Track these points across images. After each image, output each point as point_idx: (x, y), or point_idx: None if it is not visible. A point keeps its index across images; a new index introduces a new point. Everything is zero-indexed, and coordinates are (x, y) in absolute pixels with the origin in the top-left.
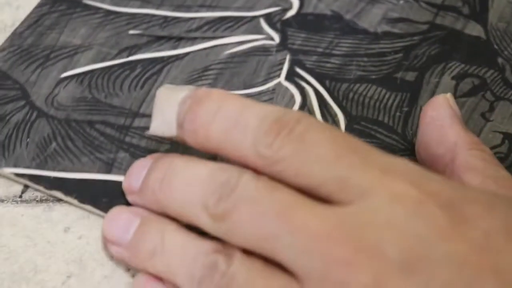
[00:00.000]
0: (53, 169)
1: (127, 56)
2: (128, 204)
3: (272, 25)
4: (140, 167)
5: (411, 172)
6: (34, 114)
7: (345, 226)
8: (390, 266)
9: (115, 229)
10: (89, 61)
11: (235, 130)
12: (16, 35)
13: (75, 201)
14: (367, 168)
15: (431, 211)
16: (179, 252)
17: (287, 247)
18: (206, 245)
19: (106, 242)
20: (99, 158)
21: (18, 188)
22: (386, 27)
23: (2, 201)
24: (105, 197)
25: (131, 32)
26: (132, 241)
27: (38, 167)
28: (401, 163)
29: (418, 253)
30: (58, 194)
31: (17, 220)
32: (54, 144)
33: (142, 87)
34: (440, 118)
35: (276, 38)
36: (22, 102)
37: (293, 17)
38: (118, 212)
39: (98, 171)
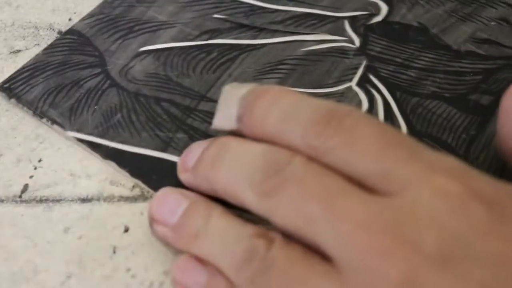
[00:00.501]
0: (113, 140)
1: (207, 39)
2: (177, 185)
3: (355, 28)
4: (198, 147)
5: (458, 169)
6: (107, 83)
7: (386, 216)
8: (426, 261)
9: (162, 209)
10: (169, 39)
11: (288, 122)
12: (107, 3)
13: (127, 174)
14: (413, 161)
15: (474, 209)
16: (221, 235)
17: (327, 232)
18: (248, 229)
19: (152, 222)
20: (158, 136)
21: (17, 188)
22: (470, 47)
23: (2, 201)
24: (156, 174)
25: (216, 16)
26: (178, 222)
27: (99, 135)
28: (448, 160)
29: (456, 250)
30: (112, 165)
31: (16, 220)
32: (119, 115)
33: (214, 71)
34: None
35: (357, 42)
36: (98, 70)
37: (378, 23)
38: (167, 193)
39: (155, 148)
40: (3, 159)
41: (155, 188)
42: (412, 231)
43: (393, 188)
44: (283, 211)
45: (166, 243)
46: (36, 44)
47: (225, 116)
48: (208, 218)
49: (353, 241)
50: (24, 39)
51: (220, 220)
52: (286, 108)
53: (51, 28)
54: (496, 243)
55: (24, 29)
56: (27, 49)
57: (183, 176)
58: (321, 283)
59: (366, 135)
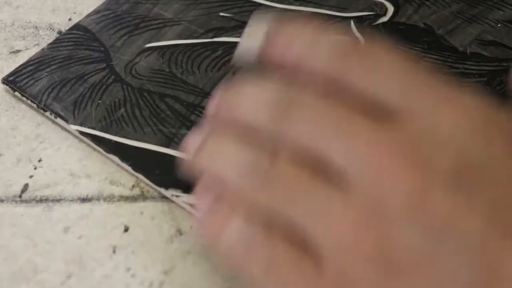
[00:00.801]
0: (116, 134)
1: (212, 37)
2: (179, 180)
3: (361, 28)
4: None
5: (480, 103)
6: (111, 78)
7: (403, 136)
8: (438, 178)
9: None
10: (175, 36)
11: (312, 48)
12: (113, 0)
13: (129, 168)
14: (435, 92)
15: (492, 136)
16: (227, 151)
17: (340, 149)
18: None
19: None
20: (161, 131)
21: (17, 188)
22: (476, 48)
23: (2, 201)
24: (158, 169)
25: (222, 14)
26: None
27: (102, 129)
28: (469, 96)
29: (472, 171)
30: (115, 159)
31: (16, 220)
32: (122, 110)
33: (219, 69)
34: None
35: (362, 42)
36: (103, 65)
37: (384, 23)
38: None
39: (157, 143)
40: (3, 159)
41: (157, 183)
42: (428, 151)
43: (413, 114)
44: (296, 129)
45: None
46: (36, 44)
47: (248, 46)
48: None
49: (366, 156)
50: (24, 39)
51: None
52: (309, 37)
53: (51, 28)
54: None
55: (24, 29)
56: (27, 49)
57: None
58: (327, 196)
59: (387, 62)
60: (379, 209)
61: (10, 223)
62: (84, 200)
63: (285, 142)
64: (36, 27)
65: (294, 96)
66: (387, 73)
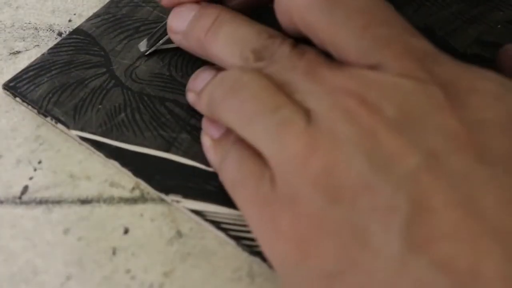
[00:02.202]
0: (116, 139)
1: None
2: (180, 186)
3: None
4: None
5: (428, 55)
6: (112, 83)
7: (357, 82)
8: (385, 122)
9: (176, 19)
10: None
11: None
12: (113, 3)
13: (129, 173)
14: (390, 43)
15: (433, 90)
16: (232, 35)
17: (308, 92)
18: (261, 28)
19: (170, 32)
20: (162, 135)
21: (17, 189)
22: (476, 50)
23: (2, 202)
24: (159, 174)
25: None
26: (188, 26)
27: (103, 134)
28: (423, 46)
29: (413, 119)
30: (115, 164)
31: (16, 221)
32: (123, 115)
33: None
34: None
35: None
36: (103, 69)
37: None
38: (181, 5)
39: (158, 148)
40: (2, 161)
41: (158, 188)
42: (377, 96)
43: (368, 64)
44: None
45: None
46: (36, 45)
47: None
48: (218, 17)
49: (326, 99)
50: (24, 40)
51: (231, 20)
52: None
53: (51, 29)
54: (449, 119)
55: (24, 30)
56: (26, 50)
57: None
58: (290, 115)
59: (351, 11)
60: (331, 136)
61: (10, 225)
62: (84, 202)
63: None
64: (36, 28)
65: (270, 49)
66: (347, 22)
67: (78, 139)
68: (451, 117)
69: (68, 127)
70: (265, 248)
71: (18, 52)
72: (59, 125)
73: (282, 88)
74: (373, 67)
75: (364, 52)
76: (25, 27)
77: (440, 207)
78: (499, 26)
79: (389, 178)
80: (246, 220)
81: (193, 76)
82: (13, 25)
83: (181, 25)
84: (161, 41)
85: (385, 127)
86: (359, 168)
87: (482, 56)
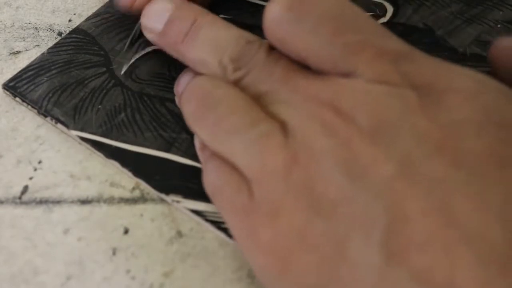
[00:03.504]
0: (116, 139)
1: None
2: (181, 187)
3: None
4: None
5: (402, 57)
6: (111, 83)
7: (331, 91)
8: (359, 132)
9: (151, 18)
10: None
11: None
12: (113, 3)
13: (129, 173)
14: (362, 49)
15: (407, 94)
16: (210, 38)
17: (284, 102)
18: (239, 33)
19: (145, 31)
20: (162, 136)
21: (17, 189)
22: (476, 49)
23: (2, 202)
24: (159, 174)
25: (221, 15)
26: (164, 29)
27: (103, 134)
28: (397, 47)
29: (386, 124)
30: (115, 164)
31: (16, 221)
32: (122, 115)
33: None
34: None
35: None
36: (103, 69)
37: (383, 24)
38: (154, 2)
39: (158, 148)
40: (3, 161)
41: (158, 188)
42: (350, 105)
43: (341, 71)
44: (249, 89)
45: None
46: (36, 45)
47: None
48: (195, 21)
49: (302, 111)
50: (24, 40)
51: (208, 24)
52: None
53: (51, 29)
54: (423, 123)
55: (24, 30)
56: (27, 50)
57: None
58: (268, 130)
59: (320, 17)
60: (309, 150)
61: (10, 225)
62: (84, 202)
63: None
64: (36, 28)
65: (247, 55)
66: (315, 30)
67: (78, 139)
68: (425, 121)
69: (68, 127)
70: (246, 257)
71: (18, 52)
72: (59, 125)
73: (258, 100)
74: (346, 75)
75: (336, 60)
76: (25, 27)
77: (415, 216)
78: (498, 25)
79: (366, 189)
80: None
81: (177, 79)
82: (13, 25)
83: (156, 26)
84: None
85: (359, 136)
86: (337, 181)
87: (482, 55)
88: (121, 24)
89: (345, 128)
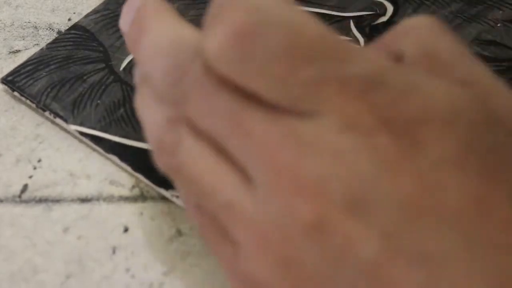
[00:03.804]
0: (115, 134)
1: None
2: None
3: (360, 28)
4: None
5: (372, 84)
6: (111, 78)
7: (292, 144)
8: (334, 205)
9: (122, 16)
10: None
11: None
12: (113, 0)
13: (128, 168)
14: (322, 85)
15: (381, 142)
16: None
17: (238, 147)
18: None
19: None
20: None
21: (17, 188)
22: (476, 48)
23: (1, 201)
24: (158, 169)
25: None
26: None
27: (102, 129)
28: (364, 69)
29: (362, 193)
30: (114, 159)
31: (16, 220)
32: (122, 110)
33: None
34: None
35: (362, 42)
36: (102, 65)
37: (384, 23)
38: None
39: None
40: (2, 159)
41: (157, 183)
42: (318, 171)
43: (302, 112)
44: (193, 118)
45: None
46: (35, 44)
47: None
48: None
49: (263, 169)
50: (23, 39)
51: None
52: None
53: (50, 28)
54: (404, 181)
55: (24, 29)
56: (26, 49)
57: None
58: (233, 195)
59: (270, 51)
60: (279, 226)
61: (10, 223)
62: (84, 200)
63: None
64: (35, 27)
65: (181, 76)
66: (266, 68)
67: (77, 134)
68: (401, 178)
69: (66, 121)
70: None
71: (18, 51)
72: (58, 120)
73: (210, 143)
74: (308, 116)
75: (295, 101)
76: (24, 26)
77: None
78: (498, 25)
79: (347, 271)
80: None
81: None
82: (12, 24)
83: (123, 27)
84: None
85: (334, 209)
86: (314, 263)
87: (482, 54)
88: None
89: (316, 201)
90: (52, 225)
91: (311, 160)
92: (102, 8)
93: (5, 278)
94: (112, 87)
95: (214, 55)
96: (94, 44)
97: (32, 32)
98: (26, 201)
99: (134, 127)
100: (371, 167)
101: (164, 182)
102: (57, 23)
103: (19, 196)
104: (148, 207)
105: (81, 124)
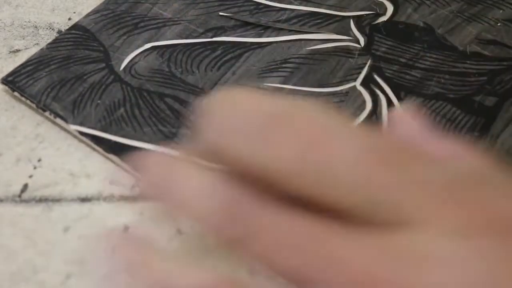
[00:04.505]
0: (115, 134)
1: (212, 37)
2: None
3: (360, 28)
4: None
5: (471, 189)
6: (111, 78)
7: (388, 263)
8: None
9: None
10: (174, 36)
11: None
12: (113, 0)
13: (129, 168)
14: (409, 186)
15: (489, 246)
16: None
17: (321, 272)
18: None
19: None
20: (161, 131)
21: (17, 188)
22: (476, 48)
23: (1, 200)
24: None
25: (221, 13)
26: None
27: (102, 129)
28: (451, 173)
29: None
30: (114, 159)
31: (16, 219)
32: (122, 110)
33: (218, 69)
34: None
35: (362, 41)
36: (102, 65)
37: (384, 23)
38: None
39: (157, 143)
40: (2, 159)
41: None
42: (426, 280)
43: (385, 221)
44: (264, 260)
45: None
46: (35, 44)
47: None
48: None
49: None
50: (23, 39)
51: None
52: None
53: (50, 28)
54: None
55: (24, 28)
56: (26, 48)
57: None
58: None
59: (342, 151)
60: None
61: (10, 223)
62: (84, 200)
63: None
64: (35, 27)
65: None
66: (341, 178)
67: (77, 134)
68: None
69: (67, 121)
70: None
71: (18, 50)
72: (58, 120)
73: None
74: (398, 225)
75: (381, 210)
76: (24, 25)
77: None
78: (498, 24)
79: None
80: None
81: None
82: (12, 24)
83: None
84: None
85: None
86: None
87: (482, 54)
88: (120, 21)
89: None
90: (52, 225)
91: (414, 271)
92: (102, 8)
93: (5, 278)
94: (112, 87)
95: (286, 172)
96: (94, 44)
97: (32, 31)
98: (26, 201)
99: (134, 127)
100: (482, 274)
101: None
102: (57, 23)
103: (19, 196)
104: (148, 207)
105: (81, 124)
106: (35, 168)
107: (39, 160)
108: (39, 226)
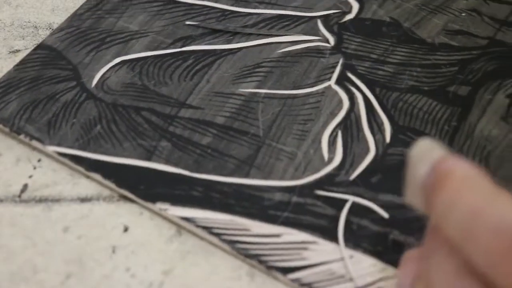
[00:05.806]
0: (95, 151)
1: (181, 47)
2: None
3: (328, 27)
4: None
5: None
6: (83, 96)
7: None
8: None
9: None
10: (143, 48)
11: (467, 238)
12: (76, 16)
13: (113, 185)
14: None
15: None
16: None
17: None
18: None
19: None
20: (141, 145)
21: (17, 188)
22: (444, 39)
23: (1, 200)
24: (143, 184)
25: (188, 22)
26: None
27: (81, 148)
28: None
29: None
30: (97, 177)
31: (16, 220)
32: (98, 127)
33: (191, 78)
34: None
35: (331, 40)
36: (73, 83)
37: (351, 21)
38: None
39: (139, 158)
40: (2, 159)
41: (144, 197)
42: None
43: None
44: None
45: None
46: (35, 44)
47: (412, 192)
48: None
49: None
50: (23, 39)
51: None
52: (465, 216)
53: (50, 28)
54: None
55: (24, 28)
56: (26, 48)
57: None
58: None
59: None
60: None
61: (10, 223)
62: (84, 200)
63: None
64: (35, 27)
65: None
66: None
67: (55, 155)
68: None
69: (43, 143)
70: None
71: (18, 50)
72: (34, 142)
73: None
74: None
75: None
76: (24, 25)
77: None
78: (463, 14)
79: None
80: None
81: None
82: (12, 24)
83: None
84: None
85: None
86: None
87: (450, 44)
88: (86, 37)
89: None
90: (52, 225)
91: None
92: (66, 26)
93: (5, 278)
94: (86, 104)
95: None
96: (62, 62)
97: (32, 31)
98: (26, 201)
99: (113, 143)
100: None
101: (150, 196)
102: (57, 23)
103: (19, 196)
104: (148, 207)
105: (58, 145)
106: (35, 168)
107: (39, 160)
108: (39, 226)
